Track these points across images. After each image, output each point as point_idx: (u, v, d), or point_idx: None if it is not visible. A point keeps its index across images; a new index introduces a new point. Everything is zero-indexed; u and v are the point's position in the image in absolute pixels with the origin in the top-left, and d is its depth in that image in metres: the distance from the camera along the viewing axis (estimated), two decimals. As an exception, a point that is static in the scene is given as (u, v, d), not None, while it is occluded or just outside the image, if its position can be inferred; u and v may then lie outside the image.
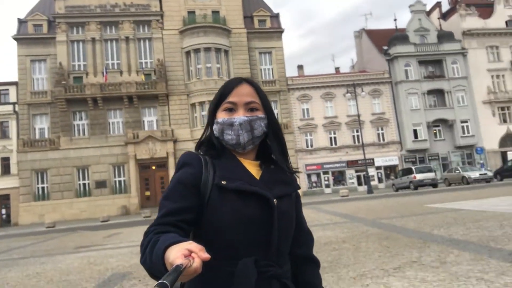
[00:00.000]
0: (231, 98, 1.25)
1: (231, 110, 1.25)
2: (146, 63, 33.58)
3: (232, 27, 34.18)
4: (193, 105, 32.44)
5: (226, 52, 33.75)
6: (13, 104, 31.95)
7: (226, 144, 1.26)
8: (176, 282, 0.82)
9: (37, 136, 31.31)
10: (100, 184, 30.57)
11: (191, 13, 34.13)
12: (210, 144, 1.29)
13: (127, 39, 33.22)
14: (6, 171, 31.31)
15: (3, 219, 31.16)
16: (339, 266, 5.24)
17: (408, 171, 27.33)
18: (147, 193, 31.01)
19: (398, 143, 36.64)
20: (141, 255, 1.03)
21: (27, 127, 31.11)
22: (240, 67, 33.97)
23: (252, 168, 1.26)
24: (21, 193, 30.07)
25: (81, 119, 31.73)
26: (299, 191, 1.33)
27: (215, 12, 34.46)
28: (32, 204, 29.90)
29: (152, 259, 0.96)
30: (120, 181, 31.12)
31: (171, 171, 30.62)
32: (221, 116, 1.25)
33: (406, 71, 37.21)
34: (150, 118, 32.61)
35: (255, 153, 1.32)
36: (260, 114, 1.27)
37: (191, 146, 31.67)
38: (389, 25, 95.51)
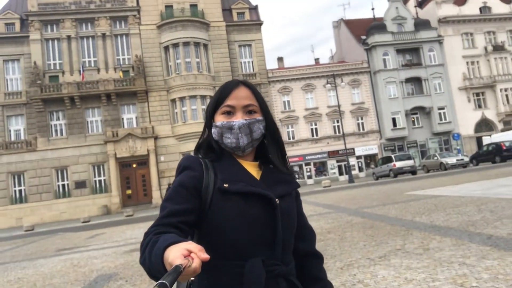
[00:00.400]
0: (229, 101, 1.26)
1: (229, 113, 1.26)
2: (124, 59, 32.99)
3: (210, 21, 33.86)
4: (173, 100, 32.10)
5: (205, 46, 33.46)
6: (-13, 105, 30.86)
7: (226, 147, 1.27)
8: (183, 283, 0.82)
9: (13, 138, 30.43)
10: (80, 185, 30.00)
11: (169, 7, 33.63)
12: (209, 147, 1.30)
13: (103, 35, 32.53)
14: (-18, 174, 30.26)
15: (-20, 223, 30.20)
16: (326, 256, 5.29)
17: (388, 159, 27.82)
18: (128, 191, 30.63)
19: (377, 132, 37.19)
20: (141, 255, 1.03)
21: (2, 129, 30.17)
22: (220, 60, 33.75)
23: (252, 169, 1.28)
24: (-2, 196, 29.26)
25: (58, 119, 31.00)
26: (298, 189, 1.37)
27: (193, 6, 34.05)
28: (9, 208, 29.12)
29: (152, 259, 0.96)
30: (100, 181, 30.63)
31: (153, 169, 30.36)
32: (220, 120, 1.26)
33: (384, 60, 37.68)
34: (129, 115, 32.12)
35: (253, 154, 1.33)
36: (258, 116, 1.29)
37: (172, 143, 31.43)
38: (366, 14, 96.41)
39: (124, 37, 33.21)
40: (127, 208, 27.01)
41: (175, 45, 32.48)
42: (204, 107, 32.15)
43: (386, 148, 36.79)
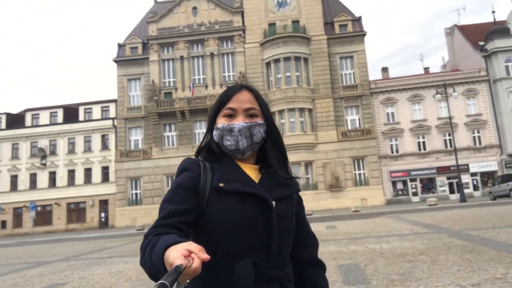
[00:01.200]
0: (231, 104, 1.27)
1: (231, 116, 1.27)
2: (229, 76, 35.07)
3: (312, 35, 34.14)
4: (272, 113, 32.92)
5: (305, 60, 33.77)
6: (113, 119, 35.57)
7: (226, 149, 1.27)
8: (182, 283, 0.83)
9: (132, 147, 34.41)
10: (186, 191, 32.34)
11: (272, 25, 34.92)
12: (209, 150, 1.31)
13: (212, 54, 35.06)
14: (106, 178, 34.84)
15: (102, 221, 34.66)
16: (410, 279, 4.88)
17: (508, 178, 24.40)
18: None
19: (497, 146, 32.94)
20: (141, 257, 1.04)
21: (124, 139, 34.37)
22: (319, 73, 33.69)
23: (252, 172, 1.28)
24: (118, 198, 33.29)
25: (170, 130, 34.15)
26: (300, 193, 1.35)
27: (295, 22, 34.80)
28: (127, 209, 32.85)
29: (152, 259, 0.96)
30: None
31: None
32: (221, 122, 1.27)
33: (506, 67, 33.46)
34: (231, 128, 33.78)
35: (255, 157, 1.33)
36: (260, 120, 1.29)
37: (271, 155, 32.07)
38: (484, 19, 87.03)
39: (230, 55, 35.33)
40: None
41: (276, 61, 33.43)
42: (303, 119, 32.32)
43: (507, 165, 32.36)
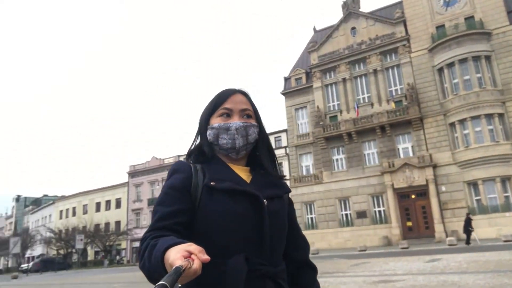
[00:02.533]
0: (227, 104, 1.30)
1: (227, 115, 1.29)
2: (396, 90, 33.07)
3: (492, 28, 29.38)
4: (451, 124, 29.14)
5: (487, 58, 29.09)
6: (285, 147, 37.79)
7: (220, 148, 1.29)
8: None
9: (304, 173, 35.53)
10: (361, 215, 31.26)
11: (440, 27, 31.65)
12: (200, 153, 1.33)
13: (375, 71, 33.89)
14: (284, 204, 36.61)
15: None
16: None
17: None
18: (409, 223, 29.28)
19: None
20: (140, 260, 1.05)
21: (295, 165, 35.91)
22: (508, 70, 28.40)
23: (243, 173, 1.29)
24: (296, 223, 34.36)
25: (338, 153, 33.97)
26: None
27: (469, 18, 30.63)
28: (304, 233, 33.12)
29: (152, 261, 0.97)
30: (379, 211, 30.89)
31: (433, 200, 28.03)
32: (217, 122, 1.30)
33: None
34: (404, 145, 31.41)
35: (245, 159, 1.35)
36: (254, 122, 1.33)
37: (454, 171, 28.29)
38: None
39: (395, 68, 33.42)
40: (408, 240, 26.15)
41: (450, 65, 29.86)
42: (492, 127, 27.51)
43: None
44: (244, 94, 1.34)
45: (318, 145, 34.59)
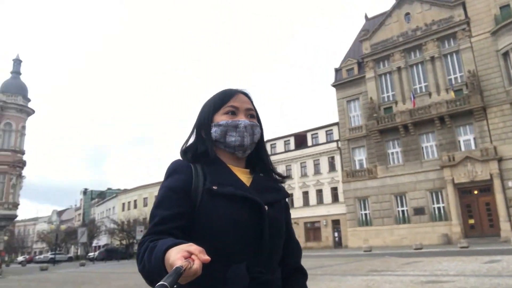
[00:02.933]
0: (233, 102, 1.29)
1: (233, 113, 1.28)
2: (455, 78, 30.97)
3: None
4: (520, 114, 26.79)
5: (562, 39, 26.32)
6: (336, 141, 36.93)
7: (226, 146, 1.27)
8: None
9: (357, 167, 34.48)
10: (418, 211, 29.74)
11: (505, 7, 29.10)
12: (197, 151, 1.30)
13: (432, 58, 31.98)
14: (335, 199, 36.03)
15: (336, 241, 35.61)
16: None
17: None
18: (471, 221, 27.37)
19: None
20: (139, 263, 1.05)
21: (348, 159, 34.97)
22: None
23: (243, 175, 1.27)
24: (348, 218, 33.67)
25: (394, 147, 32.54)
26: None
27: (539, -5, 27.89)
28: (357, 229, 32.71)
29: (152, 262, 0.96)
30: (438, 208, 29.18)
31: (498, 196, 25.97)
32: (223, 119, 1.28)
33: None
34: (466, 137, 29.33)
35: (245, 161, 1.33)
36: (256, 122, 1.33)
37: (523, 164, 25.94)
38: None
39: (454, 55, 31.32)
40: (470, 239, 24.53)
41: (517, 48, 27.38)
42: None
43: None
44: (247, 95, 1.34)
45: (371, 138, 33.39)
